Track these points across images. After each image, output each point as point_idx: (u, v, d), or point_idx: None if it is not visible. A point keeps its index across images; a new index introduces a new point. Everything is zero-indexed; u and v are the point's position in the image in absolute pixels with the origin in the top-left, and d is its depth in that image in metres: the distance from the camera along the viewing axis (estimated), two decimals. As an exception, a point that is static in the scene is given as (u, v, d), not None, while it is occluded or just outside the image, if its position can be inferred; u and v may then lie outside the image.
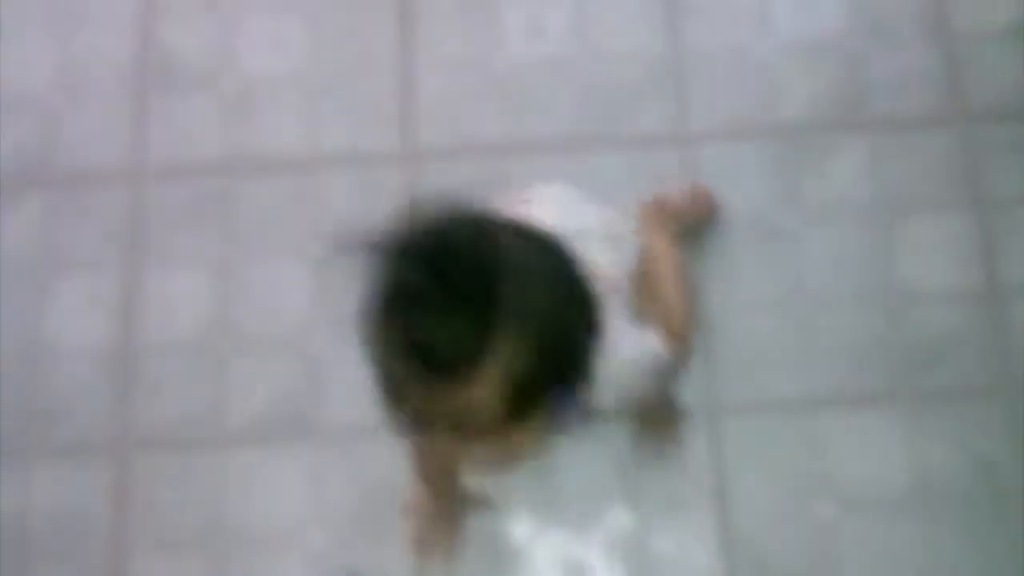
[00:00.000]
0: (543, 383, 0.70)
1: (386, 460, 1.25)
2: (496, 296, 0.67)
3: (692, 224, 1.28)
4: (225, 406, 1.30)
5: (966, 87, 1.38)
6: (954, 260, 1.31)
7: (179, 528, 1.26)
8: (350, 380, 1.25)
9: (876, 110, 1.38)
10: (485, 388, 0.67)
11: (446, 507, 1.21)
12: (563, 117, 1.40)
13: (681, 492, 1.24)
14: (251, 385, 1.31)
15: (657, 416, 1.23)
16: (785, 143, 1.37)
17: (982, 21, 1.41)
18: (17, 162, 1.43)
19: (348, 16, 1.47)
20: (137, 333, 1.34)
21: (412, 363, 0.68)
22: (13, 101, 1.46)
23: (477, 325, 0.66)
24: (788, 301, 1.30)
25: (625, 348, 0.84)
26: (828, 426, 1.25)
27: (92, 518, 1.27)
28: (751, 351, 1.28)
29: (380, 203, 0.87)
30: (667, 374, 1.00)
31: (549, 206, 0.93)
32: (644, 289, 1.07)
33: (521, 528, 1.24)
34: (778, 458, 1.24)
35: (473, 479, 1.21)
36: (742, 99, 1.40)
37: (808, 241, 1.33)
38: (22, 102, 1.46)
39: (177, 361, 1.32)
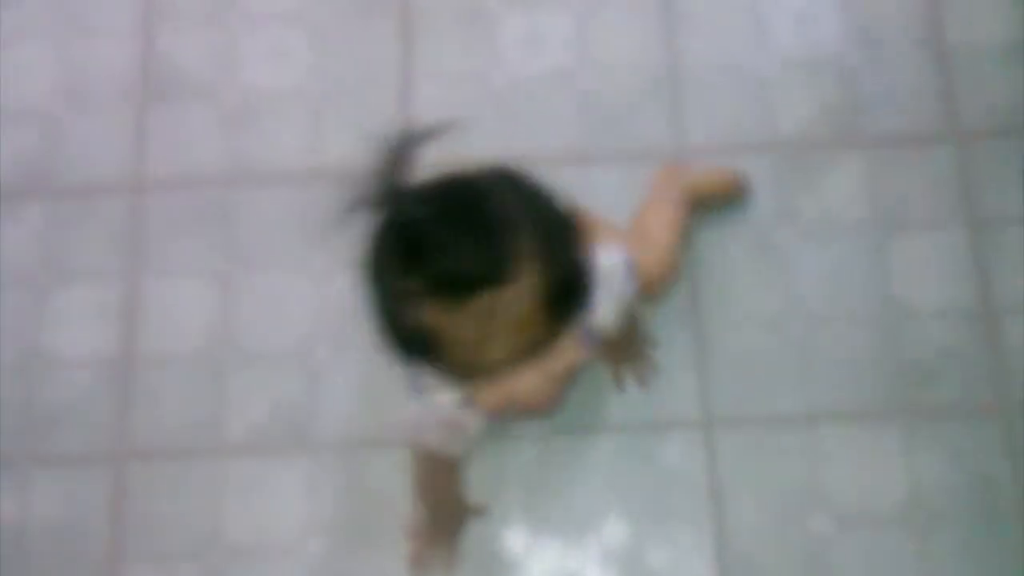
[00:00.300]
0: (562, 286, 0.76)
1: (384, 471, 1.26)
2: (498, 214, 0.75)
3: (711, 198, 1.31)
4: (224, 417, 1.30)
5: (961, 105, 1.39)
6: (948, 277, 1.32)
7: (176, 539, 1.26)
8: (349, 392, 1.27)
9: (871, 127, 1.39)
10: (516, 289, 0.73)
11: (445, 526, 1.22)
12: (562, 129, 1.41)
13: (677, 505, 1.24)
14: (250, 396, 1.31)
15: (631, 348, 1.26)
16: (781, 158, 1.38)
17: (977, 39, 1.42)
18: (18, 171, 1.44)
19: (349, 30, 1.48)
20: (137, 343, 1.34)
21: (445, 292, 0.74)
22: (15, 110, 1.47)
23: (491, 238, 0.74)
24: (784, 316, 1.31)
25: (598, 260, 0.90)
26: (824, 441, 1.26)
27: (90, 528, 1.27)
28: (747, 365, 1.29)
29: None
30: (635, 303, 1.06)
31: None
32: (633, 232, 1.16)
33: (516, 539, 1.24)
34: (774, 472, 1.25)
35: (469, 492, 1.22)
36: (739, 114, 1.41)
37: (803, 257, 1.33)
38: (24, 111, 1.47)
39: (177, 371, 1.33)
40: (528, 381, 0.79)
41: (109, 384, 1.33)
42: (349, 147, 1.41)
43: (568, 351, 0.82)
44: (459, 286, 0.73)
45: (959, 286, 1.31)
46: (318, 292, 1.35)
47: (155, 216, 1.40)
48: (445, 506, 1.20)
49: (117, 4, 1.51)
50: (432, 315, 0.75)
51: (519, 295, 0.74)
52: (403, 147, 0.77)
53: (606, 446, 1.27)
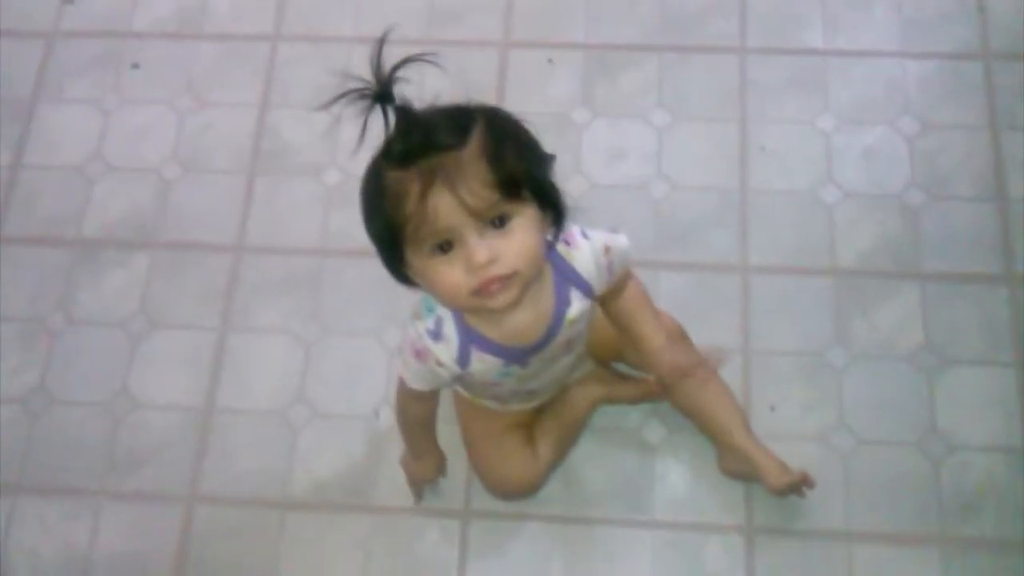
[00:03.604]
0: (514, 162, 0.92)
1: (435, 540, 1.32)
2: (468, 111, 0.94)
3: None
4: (291, 471, 1.38)
5: (1015, 250, 1.45)
6: (993, 414, 1.36)
7: (234, 583, 1.32)
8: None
9: (930, 262, 1.45)
10: (476, 148, 0.91)
11: (419, 463, 1.29)
12: (634, 235, 1.48)
13: (711, 606, 1.28)
14: (317, 454, 1.38)
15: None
16: (840, 283, 1.44)
17: (1037, 188, 1.49)
18: (130, 223, 1.55)
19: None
20: (218, 393, 1.43)
21: (401, 156, 0.91)
22: (133, 168, 1.59)
23: (461, 119, 0.92)
24: (831, 434, 1.36)
25: (586, 242, 1.08)
26: (863, 561, 1.29)
27: (153, 565, 1.34)
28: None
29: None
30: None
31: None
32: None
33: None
34: (809, 585, 1.28)
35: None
36: (803, 238, 1.48)
37: (854, 379, 1.39)
38: (141, 170, 1.59)
39: (252, 424, 1.41)
40: (475, 255, 0.91)
41: (188, 430, 1.41)
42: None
43: (520, 240, 0.93)
44: (413, 149, 0.90)
45: (1003, 423, 1.35)
46: (389, 362, 1.42)
47: (249, 277, 1.50)
48: (415, 445, 1.26)
49: (238, 81, 1.65)
50: (391, 180, 0.91)
51: (461, 159, 0.90)
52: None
53: (650, 541, 1.31)
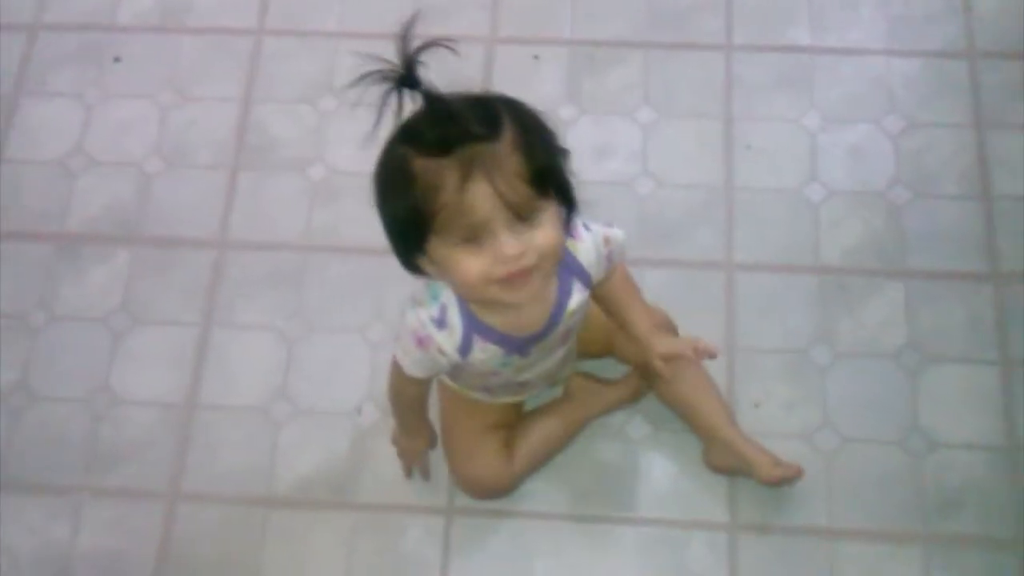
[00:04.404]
0: (545, 158, 0.94)
1: (419, 538, 1.32)
2: (494, 102, 0.94)
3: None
4: (274, 468, 1.37)
5: (1000, 247, 1.45)
6: (976, 412, 1.36)
7: (217, 581, 1.32)
8: (392, 457, 1.33)
9: (914, 261, 1.45)
10: (509, 141, 0.90)
11: (409, 441, 1.29)
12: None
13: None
14: (300, 451, 1.38)
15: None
16: (824, 281, 1.45)
17: (1021, 188, 1.49)
18: (111, 218, 1.54)
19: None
20: (200, 390, 1.42)
21: (436, 144, 0.90)
22: (114, 162, 1.58)
23: (490, 109, 0.92)
24: (814, 431, 1.36)
25: (588, 234, 1.09)
26: (846, 558, 1.29)
27: (135, 562, 1.33)
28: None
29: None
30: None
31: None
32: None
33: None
34: (792, 583, 1.29)
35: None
36: (788, 236, 1.48)
37: (838, 376, 1.39)
38: (122, 164, 1.58)
39: (234, 420, 1.40)
40: (505, 247, 0.91)
41: (170, 427, 1.40)
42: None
43: (544, 233, 0.94)
44: (449, 137, 0.89)
45: (986, 421, 1.35)
46: (373, 359, 1.42)
47: (233, 273, 1.49)
48: (407, 424, 1.26)
49: (222, 75, 1.64)
50: (423, 168, 0.90)
51: (498, 152, 0.89)
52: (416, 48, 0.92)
53: (634, 538, 1.31)
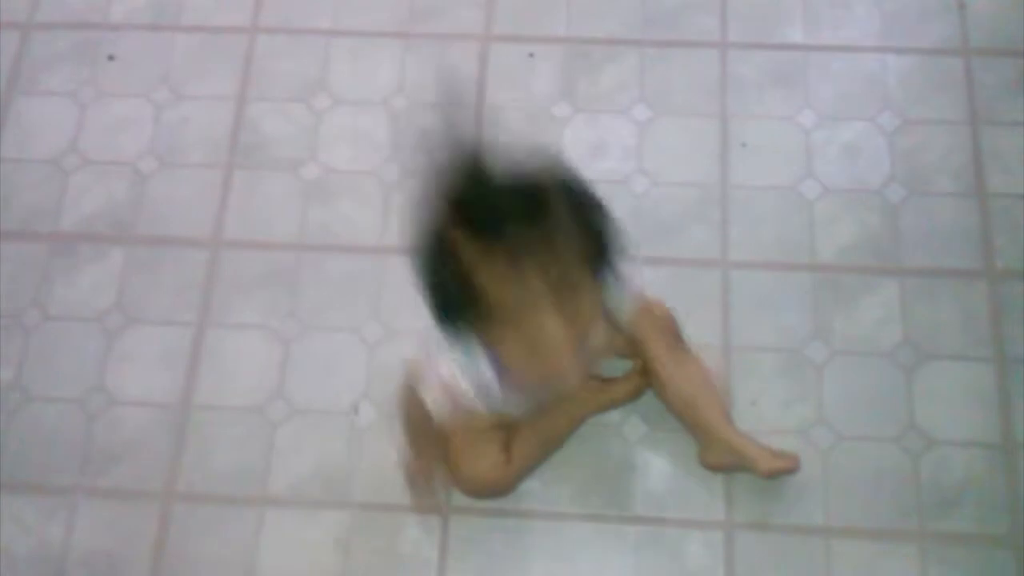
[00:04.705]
0: (593, 235, 0.94)
1: (415, 537, 1.32)
2: (542, 183, 0.93)
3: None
4: (269, 468, 1.37)
5: (995, 245, 1.46)
6: (972, 409, 1.36)
7: (212, 582, 1.31)
8: (389, 457, 1.33)
9: (909, 258, 1.45)
10: (560, 226, 0.90)
11: (423, 460, 1.28)
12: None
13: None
14: (296, 450, 1.37)
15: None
16: (820, 279, 1.45)
17: (1015, 188, 1.49)
18: (105, 217, 1.53)
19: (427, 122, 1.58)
20: (195, 389, 1.42)
21: (486, 232, 0.89)
22: (108, 161, 1.57)
23: (539, 191, 0.91)
24: (810, 429, 1.36)
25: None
26: (842, 556, 1.29)
27: (130, 562, 1.33)
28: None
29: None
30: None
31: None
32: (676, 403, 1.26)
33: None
34: (788, 580, 1.29)
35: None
36: (783, 234, 1.48)
37: (834, 374, 1.39)
38: (116, 163, 1.57)
39: (229, 420, 1.40)
40: (552, 332, 0.91)
41: (165, 426, 1.40)
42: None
43: (587, 313, 0.94)
44: (497, 225, 0.89)
45: (982, 418, 1.36)
46: (370, 358, 1.42)
47: (227, 272, 1.49)
48: (417, 444, 1.26)
49: (216, 73, 1.63)
50: (471, 251, 0.89)
51: (550, 242, 0.89)
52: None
53: (631, 537, 1.31)
